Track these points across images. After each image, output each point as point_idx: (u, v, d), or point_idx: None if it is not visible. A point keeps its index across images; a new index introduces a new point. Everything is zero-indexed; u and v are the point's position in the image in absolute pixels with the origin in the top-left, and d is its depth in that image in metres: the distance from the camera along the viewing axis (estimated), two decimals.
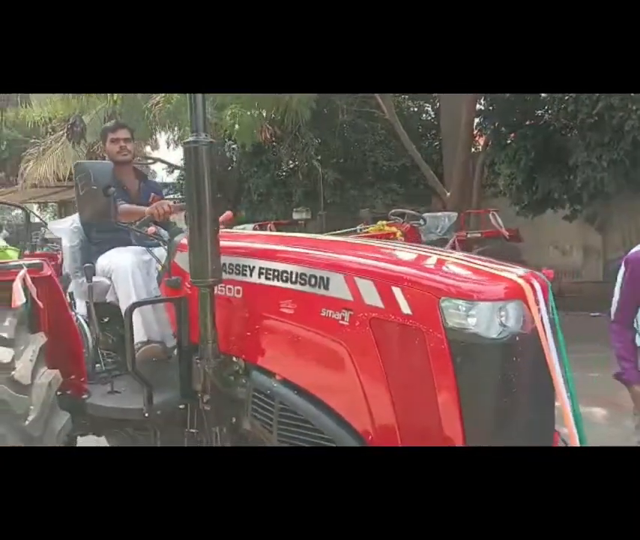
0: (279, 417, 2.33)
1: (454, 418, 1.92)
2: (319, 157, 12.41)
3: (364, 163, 12.53)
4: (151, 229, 2.94)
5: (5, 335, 2.77)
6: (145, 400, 2.70)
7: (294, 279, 2.29)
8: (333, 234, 7.81)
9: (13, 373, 2.68)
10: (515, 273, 2.07)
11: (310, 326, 2.25)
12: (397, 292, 2.01)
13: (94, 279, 3.21)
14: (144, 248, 3.25)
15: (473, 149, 11.53)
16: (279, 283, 2.34)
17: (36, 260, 3.13)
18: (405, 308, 1.99)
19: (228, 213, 3.39)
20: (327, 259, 2.26)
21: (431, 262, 2.24)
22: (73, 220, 3.41)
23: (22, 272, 2.89)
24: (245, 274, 2.48)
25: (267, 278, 2.40)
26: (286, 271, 2.32)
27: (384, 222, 7.76)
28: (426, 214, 8.91)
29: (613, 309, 2.45)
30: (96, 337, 3.14)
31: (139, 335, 3.04)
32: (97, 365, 3.15)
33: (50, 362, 2.94)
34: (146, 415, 2.72)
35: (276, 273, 2.36)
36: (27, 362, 2.76)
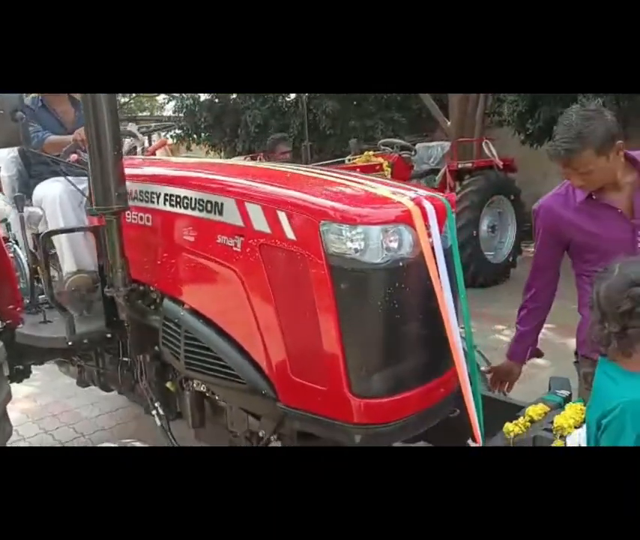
0: (185, 345, 2.31)
1: (335, 346, 1.86)
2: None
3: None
4: (73, 156, 2.88)
5: None
6: (67, 330, 2.71)
7: (193, 205, 2.22)
8: (318, 165, 7.68)
9: None
10: (407, 196, 1.96)
11: (209, 253, 2.19)
12: (282, 216, 1.93)
13: (30, 209, 3.18)
14: (79, 178, 3.20)
15: None
16: (181, 210, 2.28)
17: None
18: (290, 233, 1.91)
19: (162, 139, 3.31)
20: (221, 183, 2.18)
21: (318, 185, 2.13)
22: (11, 150, 3.36)
23: None
24: (153, 202, 2.42)
25: (171, 205, 2.33)
26: (187, 197, 2.25)
27: (371, 153, 7.57)
28: (419, 145, 8.68)
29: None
30: (29, 267, 3.14)
31: (69, 265, 3.03)
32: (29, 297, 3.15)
33: None
34: (69, 343, 2.73)
35: (178, 199, 2.29)
36: None
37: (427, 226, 1.91)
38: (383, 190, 2.03)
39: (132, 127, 3.14)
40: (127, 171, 2.52)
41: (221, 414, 2.45)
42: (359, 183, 2.12)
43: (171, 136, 13.45)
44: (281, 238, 1.94)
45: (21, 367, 3.31)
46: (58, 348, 2.84)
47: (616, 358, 1.54)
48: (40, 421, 4.28)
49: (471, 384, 1.94)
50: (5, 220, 3.45)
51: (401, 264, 1.86)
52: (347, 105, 12.29)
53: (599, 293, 1.53)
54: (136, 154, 3.22)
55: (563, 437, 1.66)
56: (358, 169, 7.02)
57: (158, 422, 2.66)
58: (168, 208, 2.35)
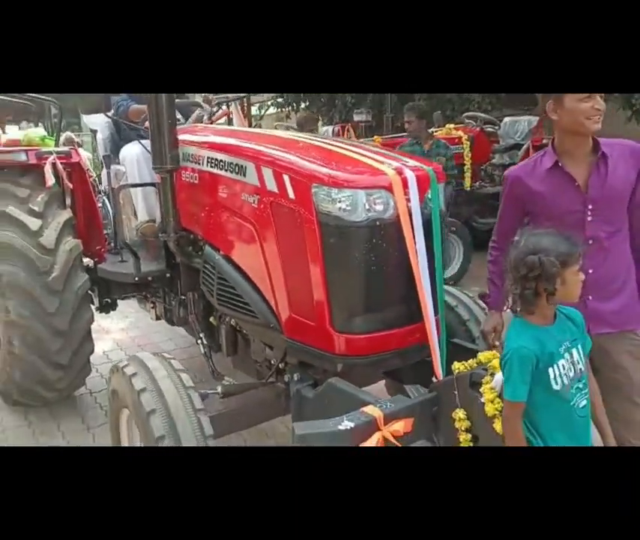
0: (218, 285, 2.78)
1: (322, 289, 2.24)
2: None
3: None
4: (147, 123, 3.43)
5: (36, 208, 3.47)
6: (134, 268, 3.29)
7: (226, 167, 2.67)
8: (396, 136, 7.88)
9: (40, 239, 3.38)
10: (391, 165, 2.26)
11: (236, 208, 2.63)
12: (286, 178, 2.31)
13: (115, 167, 3.81)
14: None
15: None
16: (217, 171, 2.73)
17: (65, 148, 3.78)
18: (291, 193, 2.30)
19: (224, 110, 3.78)
20: (246, 149, 2.60)
21: (317, 151, 2.48)
22: (105, 116, 3.99)
23: (52, 158, 3.54)
24: (199, 163, 2.89)
25: (210, 166, 2.79)
26: (222, 160, 2.70)
27: (452, 126, 7.66)
28: (506, 118, 8.60)
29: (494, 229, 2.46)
30: (112, 215, 3.77)
31: (142, 215, 3.62)
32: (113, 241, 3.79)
33: (75, 233, 3.61)
34: (136, 279, 3.32)
35: (215, 162, 2.75)
36: (52, 231, 3.45)
37: (406, 193, 2.21)
38: (371, 158, 2.34)
39: (198, 98, 3.65)
40: (187, 137, 3.03)
41: (247, 344, 2.91)
42: (352, 151, 2.45)
43: (272, 105, 14.12)
44: (285, 197, 2.33)
45: (108, 300, 3.99)
46: (128, 283, 3.44)
47: (521, 314, 1.80)
48: (127, 350, 5.01)
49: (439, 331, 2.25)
50: (98, 175, 4.12)
51: (378, 223, 2.18)
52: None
53: (509, 260, 1.79)
54: (202, 122, 3.72)
55: (492, 375, 1.93)
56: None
57: (202, 350, 3.18)
58: (209, 168, 2.81)
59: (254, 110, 16.65)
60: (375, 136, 7.14)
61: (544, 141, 7.67)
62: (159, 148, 2.72)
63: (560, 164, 2.16)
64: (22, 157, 3.54)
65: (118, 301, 4.08)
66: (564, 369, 1.77)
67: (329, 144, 2.62)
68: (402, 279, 2.24)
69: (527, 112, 11.22)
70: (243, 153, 2.59)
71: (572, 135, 2.13)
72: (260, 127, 13.12)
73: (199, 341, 3.20)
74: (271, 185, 2.39)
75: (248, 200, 2.53)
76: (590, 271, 2.12)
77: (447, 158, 5.89)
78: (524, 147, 7.76)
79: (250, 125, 14.47)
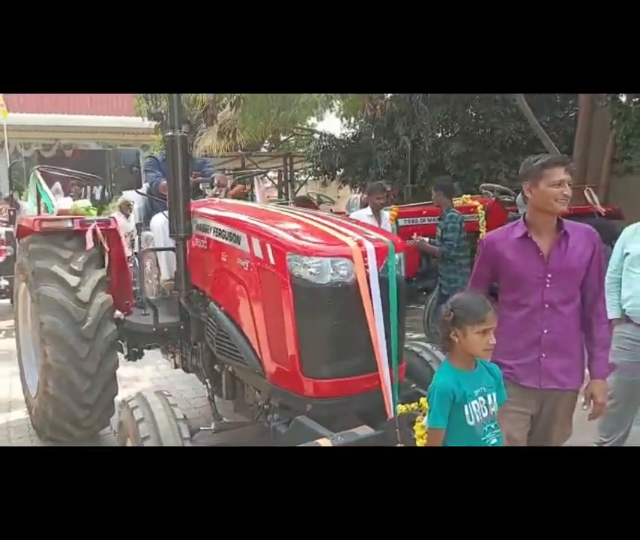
0: (217, 336, 3.26)
1: (293, 340, 2.68)
2: (444, 131, 12.68)
3: (491, 135, 12.52)
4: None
5: (76, 268, 4.07)
6: (153, 320, 3.81)
7: (226, 236, 3.19)
8: (413, 206, 8.33)
9: (77, 293, 3.96)
10: (353, 238, 2.73)
11: (232, 270, 3.14)
12: (269, 247, 2.81)
13: (146, 233, 4.41)
14: None
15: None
16: (220, 239, 3.26)
17: (105, 217, 4.40)
18: (272, 259, 2.78)
19: (239, 186, 4.36)
20: (241, 222, 3.12)
21: (294, 223, 2.98)
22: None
23: (93, 225, 4.15)
24: (208, 232, 3.43)
25: (216, 235, 3.32)
26: (223, 230, 3.23)
27: (468, 196, 8.08)
28: None
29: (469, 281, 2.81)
30: (140, 275, 4.34)
31: (164, 274, 4.17)
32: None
33: (108, 289, 4.18)
34: (154, 329, 3.84)
35: (219, 231, 3.28)
36: (88, 288, 4.02)
37: (365, 261, 2.66)
38: (337, 230, 2.81)
39: (216, 174, 4.24)
40: (201, 209, 3.58)
41: (243, 389, 3.35)
42: (324, 224, 2.93)
43: (309, 172, 14.87)
44: (268, 263, 2.81)
45: (135, 349, 4.52)
46: (150, 334, 3.95)
47: (447, 357, 2.19)
48: None
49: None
50: (133, 240, 4.73)
51: (340, 286, 2.64)
52: (472, 148, 12.71)
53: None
54: (217, 196, 4.29)
55: (425, 415, 2.31)
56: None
57: (207, 394, 3.64)
58: (214, 236, 3.35)
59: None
60: (393, 206, 7.62)
61: None
62: (175, 219, 3.27)
63: (529, 235, 2.51)
64: (69, 224, 4.16)
65: (150, 352, 4.60)
66: (477, 408, 2.14)
67: (306, 217, 3.11)
68: (361, 333, 2.66)
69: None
70: (238, 225, 3.11)
71: (542, 213, 2.49)
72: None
73: (205, 386, 3.66)
74: (258, 252, 2.88)
75: (241, 264, 3.03)
76: (545, 331, 2.50)
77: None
78: None
79: (283, 193, 15.16)
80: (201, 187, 4.29)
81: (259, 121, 10.37)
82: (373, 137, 13.53)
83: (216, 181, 4.17)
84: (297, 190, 16.85)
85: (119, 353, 4.20)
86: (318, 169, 14.21)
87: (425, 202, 8.24)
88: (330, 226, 2.91)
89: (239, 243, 3.05)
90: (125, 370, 5.48)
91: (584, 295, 2.56)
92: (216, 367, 3.62)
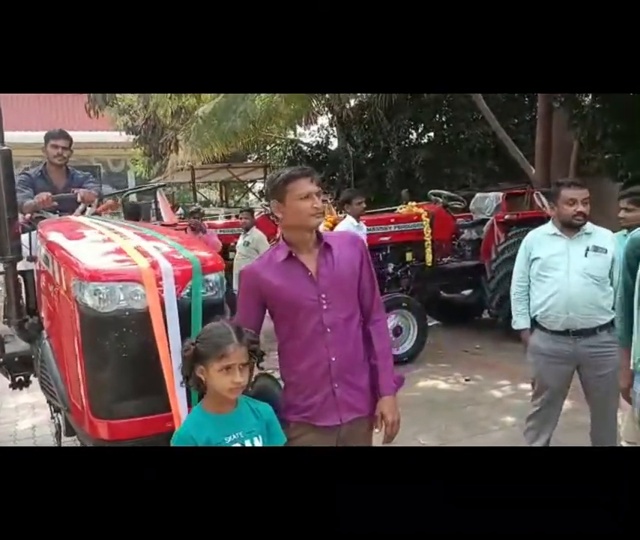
0: (40, 366, 2.95)
1: (82, 377, 2.36)
2: (413, 136, 12.40)
3: (458, 140, 12.22)
4: (26, 217, 3.73)
5: None
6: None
7: (44, 258, 2.89)
8: (370, 212, 8.06)
9: None
10: (151, 258, 2.40)
11: (49, 296, 2.83)
12: (62, 271, 2.50)
13: None
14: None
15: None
16: (43, 262, 2.96)
17: None
18: (64, 285, 2.47)
19: (109, 202, 4.06)
20: (52, 243, 2.81)
21: (92, 243, 2.67)
22: None
23: None
24: (39, 252, 3.13)
25: (42, 257, 3.02)
26: (44, 252, 2.93)
27: (414, 203, 7.76)
28: (477, 195, 8.63)
29: None
30: None
31: None
32: None
33: None
34: (0, 359, 3.53)
35: (42, 253, 2.98)
36: None
37: (160, 286, 2.34)
38: (140, 249, 2.49)
39: (81, 190, 3.93)
40: (42, 229, 3.27)
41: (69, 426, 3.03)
42: (128, 240, 2.61)
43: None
44: (62, 289, 2.50)
45: (21, 377, 4.19)
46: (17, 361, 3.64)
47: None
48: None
49: None
50: None
51: (128, 314, 2.31)
52: (440, 154, 12.41)
53: None
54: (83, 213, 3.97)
55: None
56: (393, 219, 7.37)
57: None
58: (41, 258, 3.04)
59: None
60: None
61: (506, 217, 7.68)
62: (1, 239, 2.96)
63: (294, 255, 2.25)
64: None
65: None
66: None
67: (116, 233, 2.79)
68: (156, 368, 2.33)
69: (526, 186, 11.25)
70: (50, 246, 2.80)
71: (298, 230, 2.24)
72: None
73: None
74: (57, 276, 2.58)
75: (49, 288, 2.72)
76: (333, 359, 2.22)
77: None
78: (489, 222, 7.78)
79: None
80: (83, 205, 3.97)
81: (203, 132, 10.09)
82: (337, 146, 13.28)
83: (79, 198, 3.86)
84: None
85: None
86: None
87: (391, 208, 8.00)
88: (136, 245, 2.59)
89: (49, 265, 2.75)
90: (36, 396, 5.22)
91: (361, 305, 2.31)
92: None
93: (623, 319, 2.65)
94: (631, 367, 2.54)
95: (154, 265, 2.37)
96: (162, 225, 8.07)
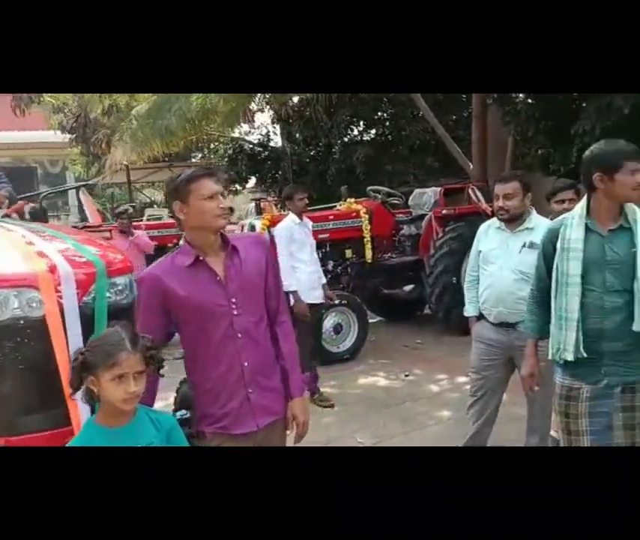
0: None
1: None
2: (354, 133, 12.41)
3: (399, 137, 12.30)
4: None
5: None
6: None
7: None
8: (309, 210, 7.97)
9: None
10: (49, 261, 2.24)
11: None
12: None
13: None
14: None
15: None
16: None
17: None
18: None
19: (20, 204, 3.83)
20: None
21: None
22: None
23: None
24: None
25: None
26: None
27: (352, 200, 7.73)
28: (416, 191, 8.69)
29: None
30: None
31: None
32: None
33: None
34: None
35: None
36: None
37: (59, 291, 2.18)
38: (39, 252, 2.31)
39: None
40: None
41: None
42: (36, 244, 2.43)
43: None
44: None
45: None
46: None
47: None
48: None
49: None
50: None
51: (23, 322, 2.14)
52: (382, 150, 12.46)
53: None
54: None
55: None
56: (332, 216, 7.31)
57: None
58: None
59: None
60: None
61: (444, 212, 7.75)
62: None
63: (201, 258, 2.13)
64: None
65: None
66: None
67: (18, 235, 2.60)
68: (57, 379, 2.17)
69: (465, 181, 11.45)
70: None
71: (203, 231, 2.13)
72: None
73: None
74: None
75: None
76: (246, 364, 2.14)
77: None
78: (427, 218, 7.84)
79: None
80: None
81: (137, 132, 9.78)
82: (280, 143, 13.18)
83: None
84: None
85: None
86: (226, 178, 13.72)
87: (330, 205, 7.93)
88: (37, 249, 2.41)
89: None
90: None
91: (267, 307, 2.26)
92: None
93: (534, 310, 2.66)
94: (549, 357, 2.55)
95: (52, 269, 2.21)
96: (87, 227, 7.77)
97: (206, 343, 2.11)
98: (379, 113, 12.97)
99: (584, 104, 8.22)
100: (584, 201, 2.45)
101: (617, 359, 2.38)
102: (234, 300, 2.12)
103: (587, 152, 2.42)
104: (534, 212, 3.38)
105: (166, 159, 13.88)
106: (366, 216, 7.34)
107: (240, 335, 2.12)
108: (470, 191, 7.74)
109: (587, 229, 2.39)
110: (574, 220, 2.42)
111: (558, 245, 2.44)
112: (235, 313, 2.11)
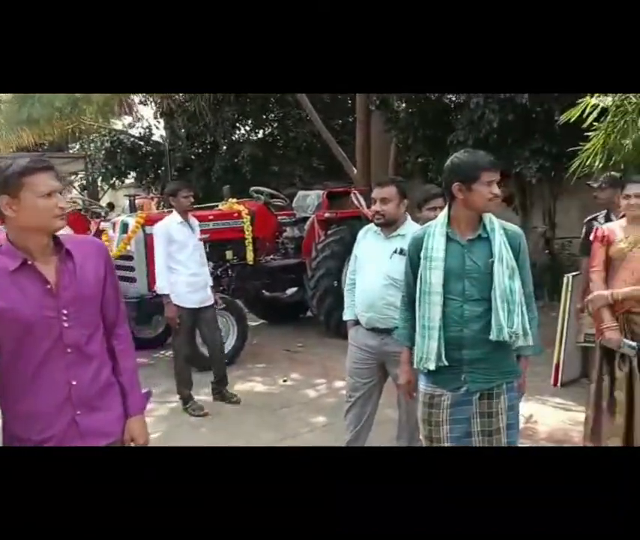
0: None
1: None
2: (241, 132, 12.20)
3: (286, 139, 12.27)
4: None
5: None
6: None
7: None
8: (197, 208, 7.67)
9: None
10: None
11: None
12: None
13: None
14: None
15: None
16: None
17: None
18: None
19: None
20: None
21: None
22: None
23: None
24: None
25: None
26: None
27: (234, 200, 7.53)
28: (300, 193, 8.67)
29: None
30: None
31: None
32: None
33: None
34: None
35: None
36: None
37: None
38: None
39: None
40: None
41: None
42: None
43: (93, 176, 13.59)
44: None
45: None
46: None
47: None
48: None
49: None
50: None
51: None
52: (268, 151, 12.37)
53: None
54: None
55: None
56: (212, 216, 7.05)
57: None
58: None
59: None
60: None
61: (326, 215, 7.77)
62: None
63: (29, 262, 1.85)
64: None
65: None
66: None
67: None
68: None
69: (350, 185, 11.61)
70: None
71: (36, 232, 1.85)
72: None
73: None
74: None
75: None
76: (74, 382, 1.90)
77: None
78: (310, 220, 7.82)
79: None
80: None
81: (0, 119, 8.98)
82: (163, 138, 12.66)
83: None
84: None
85: None
86: (104, 172, 12.95)
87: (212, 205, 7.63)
88: None
89: None
90: None
91: (104, 319, 2.05)
92: None
93: (407, 317, 2.65)
94: (414, 367, 2.54)
95: None
96: None
97: (23, 360, 1.83)
98: (266, 113, 12.87)
99: (458, 116, 8.64)
100: (445, 210, 2.46)
101: (476, 366, 2.41)
102: (65, 311, 1.87)
103: (447, 162, 2.44)
104: (409, 219, 3.41)
105: (38, 149, 12.92)
106: (248, 217, 7.17)
107: (69, 350, 1.88)
108: (352, 196, 7.80)
109: (448, 239, 2.40)
110: (436, 229, 2.42)
111: (422, 254, 2.44)
112: (66, 325, 1.87)
